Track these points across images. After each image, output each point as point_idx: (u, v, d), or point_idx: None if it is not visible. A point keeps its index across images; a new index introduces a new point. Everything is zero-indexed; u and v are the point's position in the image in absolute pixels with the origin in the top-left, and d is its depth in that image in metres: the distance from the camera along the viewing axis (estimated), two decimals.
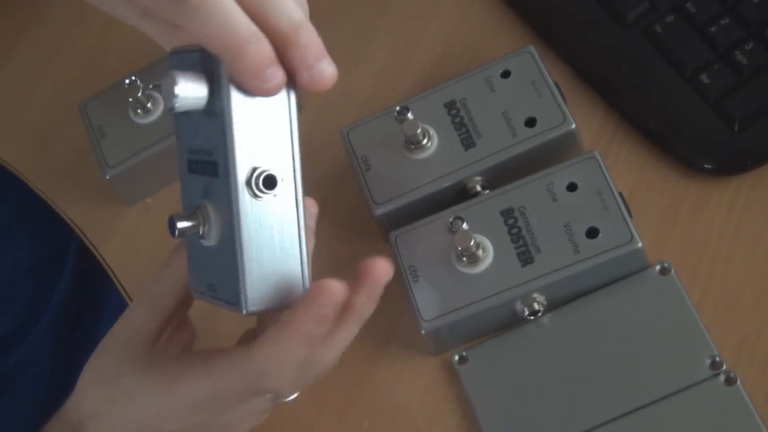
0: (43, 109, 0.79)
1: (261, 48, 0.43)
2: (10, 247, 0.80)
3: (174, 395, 0.50)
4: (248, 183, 0.46)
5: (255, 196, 0.46)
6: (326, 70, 0.44)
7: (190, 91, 0.45)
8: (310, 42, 0.44)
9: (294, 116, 0.47)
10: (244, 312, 0.47)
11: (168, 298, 0.52)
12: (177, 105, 0.45)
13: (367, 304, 0.48)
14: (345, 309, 0.47)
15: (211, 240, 0.48)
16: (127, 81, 0.68)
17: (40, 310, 0.78)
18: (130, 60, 0.71)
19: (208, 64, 0.45)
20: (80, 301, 0.80)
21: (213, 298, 0.49)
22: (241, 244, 0.46)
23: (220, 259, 0.48)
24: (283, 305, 0.48)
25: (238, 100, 0.45)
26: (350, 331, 0.49)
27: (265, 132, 0.47)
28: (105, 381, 0.51)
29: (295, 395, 0.53)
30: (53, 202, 0.74)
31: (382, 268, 0.47)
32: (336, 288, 0.46)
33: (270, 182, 0.47)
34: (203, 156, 0.48)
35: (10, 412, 0.76)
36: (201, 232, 0.48)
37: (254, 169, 0.46)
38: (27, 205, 0.78)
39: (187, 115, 0.47)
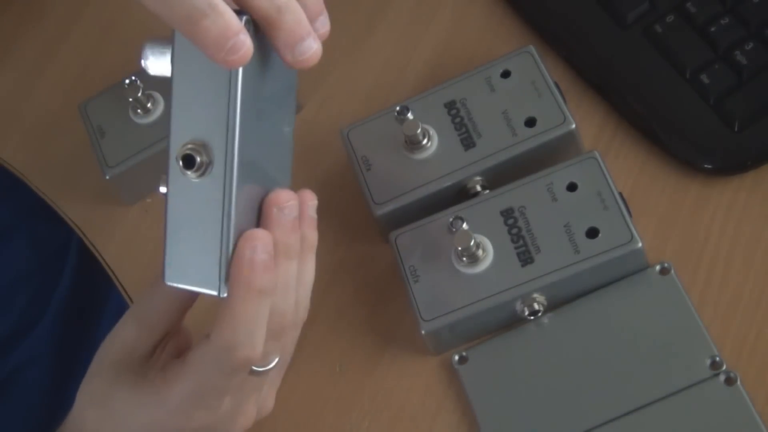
0: (43, 109, 0.79)
1: (221, 20, 0.42)
2: (10, 248, 0.80)
3: (164, 404, 0.49)
4: (177, 157, 0.45)
5: (181, 173, 0.46)
6: (309, 49, 0.45)
7: (158, 54, 0.45)
8: (292, 23, 0.44)
9: (237, 95, 0.45)
10: (166, 281, 0.47)
11: (160, 315, 0.51)
12: (145, 65, 0.45)
13: (286, 235, 0.47)
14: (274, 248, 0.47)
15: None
16: (127, 81, 0.68)
17: (41, 310, 0.78)
18: (130, 60, 0.71)
19: None
20: (81, 301, 0.80)
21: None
22: (166, 216, 0.46)
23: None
24: (200, 290, 0.47)
25: (180, 69, 0.45)
26: (312, 262, 0.49)
27: (206, 109, 0.45)
28: (101, 400, 0.51)
29: (275, 361, 0.51)
30: (53, 202, 0.74)
31: (284, 199, 0.47)
32: (257, 233, 0.46)
33: (189, 162, 0.45)
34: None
35: (11, 412, 0.76)
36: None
37: (184, 145, 0.45)
38: (27, 206, 0.78)
39: None
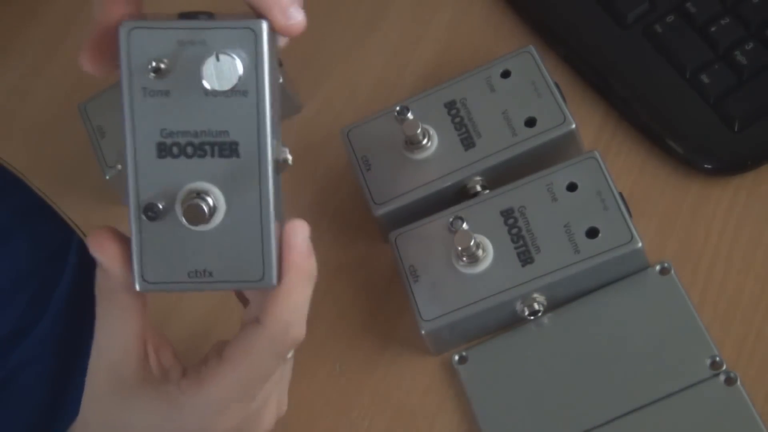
0: (43, 109, 0.79)
1: None
2: (10, 248, 0.80)
3: (205, 404, 0.49)
4: (276, 161, 0.47)
5: (277, 172, 0.47)
6: (299, 14, 0.46)
7: (243, 72, 0.45)
8: None
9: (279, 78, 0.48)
10: (275, 283, 0.47)
11: (133, 326, 0.50)
12: (234, 86, 0.45)
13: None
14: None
15: (213, 223, 0.47)
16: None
17: (41, 310, 0.78)
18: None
19: (238, 40, 0.45)
20: (81, 301, 0.80)
21: (198, 283, 0.48)
22: (269, 221, 0.47)
23: (229, 241, 0.47)
24: (251, 285, 0.48)
25: (270, 81, 0.46)
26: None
27: (276, 108, 0.47)
28: (110, 419, 0.51)
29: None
30: (53, 202, 0.74)
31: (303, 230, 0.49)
32: (300, 223, 0.48)
33: (286, 160, 0.47)
34: (204, 137, 0.46)
35: (11, 412, 0.76)
36: (208, 216, 0.46)
37: (276, 146, 0.47)
38: (27, 206, 0.78)
39: (165, 94, 0.46)
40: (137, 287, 0.48)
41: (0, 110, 0.80)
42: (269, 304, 0.48)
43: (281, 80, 0.67)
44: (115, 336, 0.50)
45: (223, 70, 0.45)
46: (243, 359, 0.49)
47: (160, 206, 0.46)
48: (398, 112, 0.61)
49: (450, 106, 0.64)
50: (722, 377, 0.54)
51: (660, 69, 0.63)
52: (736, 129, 0.60)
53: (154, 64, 0.45)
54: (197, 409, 0.49)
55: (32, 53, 0.82)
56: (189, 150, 0.46)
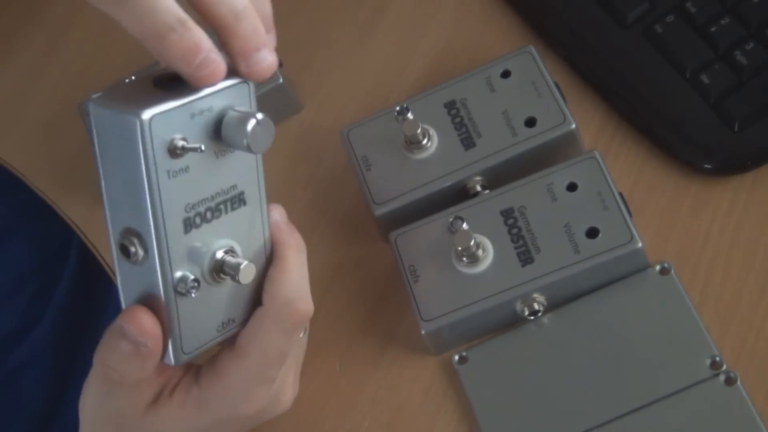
0: (43, 109, 0.79)
1: (188, 34, 0.42)
2: (10, 248, 0.80)
3: (230, 393, 0.50)
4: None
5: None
6: (264, 60, 0.45)
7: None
8: (248, 31, 0.44)
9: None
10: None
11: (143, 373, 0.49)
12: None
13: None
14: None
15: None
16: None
17: (41, 310, 0.78)
18: (130, 60, 0.71)
19: (238, 97, 0.46)
20: (81, 301, 0.80)
21: (225, 332, 0.49)
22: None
23: (246, 288, 0.49)
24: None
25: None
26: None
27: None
28: None
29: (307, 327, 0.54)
30: (53, 202, 0.74)
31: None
32: (276, 206, 0.50)
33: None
34: (219, 198, 0.47)
35: (11, 412, 0.76)
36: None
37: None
38: (27, 206, 0.78)
39: (186, 170, 0.45)
40: (173, 362, 0.48)
41: (0, 110, 0.80)
42: (268, 285, 0.49)
43: (281, 81, 0.68)
44: (124, 401, 0.50)
45: (266, 132, 0.45)
46: (255, 344, 0.49)
47: (196, 278, 0.46)
48: (398, 112, 0.61)
49: (450, 106, 0.64)
50: (722, 377, 0.54)
51: (660, 69, 0.63)
52: (736, 129, 0.60)
53: (178, 144, 0.44)
54: (224, 401, 0.50)
55: (32, 53, 0.82)
56: (208, 215, 0.47)
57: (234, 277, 0.47)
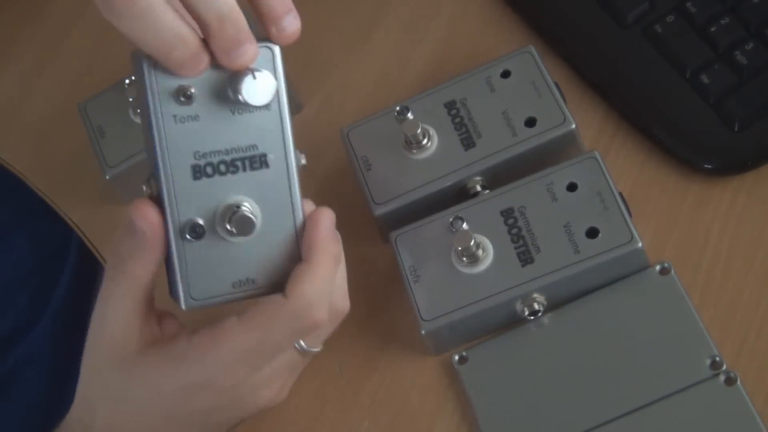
0: (43, 109, 0.79)
1: (184, 48, 0.46)
2: (10, 248, 0.80)
3: (213, 357, 0.50)
4: (297, 165, 0.50)
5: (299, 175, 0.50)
6: (244, 55, 0.47)
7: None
8: (230, 34, 0.47)
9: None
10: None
11: (140, 291, 0.51)
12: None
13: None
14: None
15: (253, 233, 0.49)
16: (127, 81, 0.68)
17: (41, 310, 0.78)
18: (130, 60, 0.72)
19: (259, 59, 0.48)
20: (80, 301, 0.79)
21: (242, 292, 0.50)
22: (301, 224, 0.50)
23: (267, 248, 0.50)
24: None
25: (287, 92, 0.49)
26: (342, 256, 0.53)
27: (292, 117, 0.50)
28: (114, 394, 0.52)
29: (319, 348, 0.55)
30: (53, 202, 0.74)
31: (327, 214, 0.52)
32: (326, 209, 0.51)
33: (305, 164, 0.51)
34: (235, 154, 0.49)
35: (10, 411, 0.76)
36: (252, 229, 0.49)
37: (296, 152, 0.50)
38: (27, 206, 0.78)
39: (195, 118, 0.48)
40: (183, 306, 0.50)
41: (0, 110, 0.80)
42: (295, 279, 0.49)
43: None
44: (119, 311, 0.51)
45: (262, 86, 0.47)
46: (261, 324, 0.50)
47: (203, 225, 0.49)
48: (398, 112, 0.61)
49: (450, 106, 0.64)
50: (722, 377, 0.54)
51: (660, 69, 0.63)
52: (736, 129, 0.60)
53: (182, 91, 0.48)
54: (205, 363, 0.50)
55: (32, 53, 0.82)
56: (222, 168, 0.49)
57: (233, 234, 0.49)
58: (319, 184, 0.68)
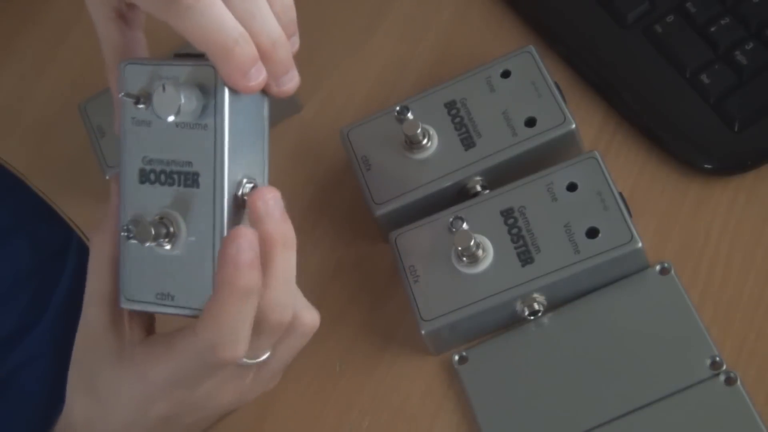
0: (43, 109, 0.79)
1: (248, 48, 0.46)
2: (10, 248, 0.80)
3: (146, 378, 0.51)
4: (235, 195, 0.48)
5: (239, 207, 0.48)
6: (291, 81, 0.49)
7: (190, 103, 0.47)
8: (282, 58, 0.48)
9: (267, 128, 0.50)
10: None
11: (105, 288, 0.52)
12: (176, 118, 0.47)
13: (280, 225, 0.48)
14: (266, 243, 0.47)
15: (176, 249, 0.49)
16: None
17: (41, 310, 0.78)
18: None
19: (200, 77, 0.48)
20: (81, 301, 0.79)
21: (164, 306, 0.50)
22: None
23: (187, 268, 0.49)
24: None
25: (231, 116, 0.47)
26: (286, 261, 0.49)
27: (248, 144, 0.49)
28: (86, 386, 0.53)
29: (266, 355, 0.52)
30: (53, 202, 0.74)
31: (264, 194, 0.48)
32: (240, 230, 0.46)
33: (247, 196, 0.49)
34: (173, 167, 0.49)
35: (11, 412, 0.76)
36: (167, 240, 0.49)
37: (240, 182, 0.48)
38: (27, 206, 0.78)
39: (148, 124, 0.49)
40: (120, 304, 0.51)
41: (0, 110, 0.80)
42: (202, 316, 0.47)
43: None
44: (93, 289, 0.52)
45: (165, 100, 0.47)
46: (177, 355, 0.50)
47: (127, 226, 0.49)
48: (398, 112, 0.61)
49: (450, 106, 0.64)
50: (722, 377, 0.54)
51: (660, 69, 0.63)
52: (736, 129, 0.60)
53: (134, 94, 0.48)
54: (146, 381, 0.51)
55: (32, 53, 0.82)
56: (162, 177, 0.49)
57: (155, 243, 0.49)
58: (319, 185, 0.68)
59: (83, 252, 0.76)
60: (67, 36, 0.81)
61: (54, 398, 0.76)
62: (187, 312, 0.49)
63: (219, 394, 0.53)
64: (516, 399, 0.56)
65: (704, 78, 0.61)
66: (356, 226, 0.66)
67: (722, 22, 0.62)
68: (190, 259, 0.49)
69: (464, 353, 0.59)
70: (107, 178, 0.69)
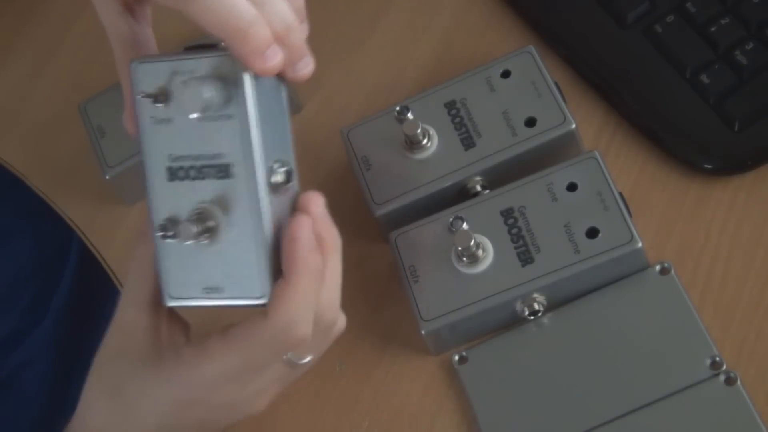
0: (43, 109, 0.79)
1: (263, 30, 0.46)
2: (11, 248, 0.80)
3: (191, 380, 0.50)
4: (269, 180, 0.48)
5: (275, 192, 0.48)
6: (307, 66, 0.49)
7: (214, 97, 0.47)
8: (296, 42, 0.48)
9: (289, 112, 0.50)
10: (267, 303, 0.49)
11: (147, 292, 0.52)
12: (203, 112, 0.47)
13: (332, 228, 0.50)
14: (320, 245, 0.49)
15: (216, 241, 0.48)
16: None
17: (42, 311, 0.78)
18: None
19: (218, 68, 0.47)
20: (81, 301, 0.80)
21: (212, 299, 0.49)
22: (266, 241, 0.48)
23: (231, 258, 0.49)
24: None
25: (255, 101, 0.47)
26: (337, 264, 0.51)
27: (273, 129, 0.48)
28: (112, 390, 0.52)
29: (309, 358, 0.53)
30: (53, 202, 0.74)
31: (317, 198, 0.49)
32: (303, 219, 0.48)
33: (289, 176, 0.49)
34: (202, 161, 0.48)
35: (11, 412, 0.76)
36: (208, 235, 0.48)
37: (271, 166, 0.48)
38: (27, 206, 0.78)
39: (168, 122, 0.48)
40: (166, 303, 0.50)
41: (0, 110, 0.80)
42: (275, 299, 0.48)
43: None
44: (133, 292, 0.52)
45: (188, 97, 0.47)
46: (242, 344, 0.49)
47: (164, 225, 0.48)
48: (398, 112, 0.61)
49: (450, 106, 0.64)
50: (722, 377, 0.54)
51: (660, 69, 0.63)
52: (736, 129, 0.60)
53: (152, 93, 0.48)
54: (191, 383, 0.50)
55: (32, 53, 0.82)
56: (192, 173, 0.49)
57: (198, 237, 0.48)
58: (319, 184, 0.67)
59: (83, 252, 0.76)
60: (67, 36, 0.81)
61: (54, 399, 0.76)
62: (236, 302, 0.49)
63: (264, 393, 0.53)
64: (516, 399, 0.56)
65: (704, 78, 0.61)
66: (356, 226, 0.66)
67: (722, 22, 0.62)
68: (233, 249, 0.48)
69: (464, 353, 0.59)
70: (107, 178, 0.69)
